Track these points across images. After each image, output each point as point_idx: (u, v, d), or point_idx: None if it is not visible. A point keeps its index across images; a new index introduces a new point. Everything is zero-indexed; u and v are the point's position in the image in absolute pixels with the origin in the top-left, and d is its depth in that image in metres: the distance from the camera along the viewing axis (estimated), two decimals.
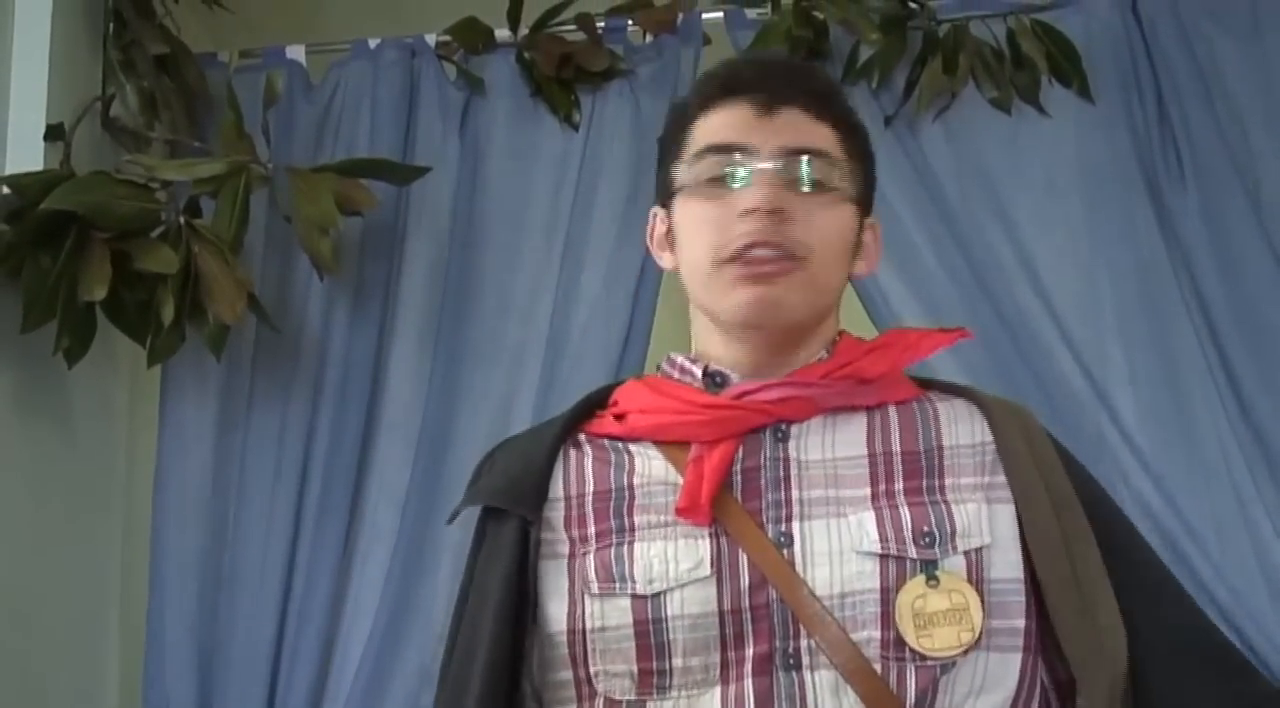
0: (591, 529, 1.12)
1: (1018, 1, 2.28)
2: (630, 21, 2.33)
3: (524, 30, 2.31)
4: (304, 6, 2.75)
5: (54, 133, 1.92)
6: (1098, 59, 2.25)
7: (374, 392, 2.19)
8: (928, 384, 1.22)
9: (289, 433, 2.16)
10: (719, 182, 1.13)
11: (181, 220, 1.93)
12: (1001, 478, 1.11)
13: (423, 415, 2.17)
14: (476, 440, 2.13)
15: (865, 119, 2.12)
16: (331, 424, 2.16)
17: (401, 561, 2.09)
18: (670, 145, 1.21)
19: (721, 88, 1.17)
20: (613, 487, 1.14)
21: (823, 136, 1.15)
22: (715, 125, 1.16)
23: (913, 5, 2.23)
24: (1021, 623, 1.07)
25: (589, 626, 1.08)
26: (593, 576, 1.09)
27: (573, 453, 1.18)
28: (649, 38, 2.33)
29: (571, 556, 1.12)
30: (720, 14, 2.31)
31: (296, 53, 2.34)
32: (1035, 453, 1.13)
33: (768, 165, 1.11)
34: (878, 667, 1.02)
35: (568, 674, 1.10)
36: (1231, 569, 2.02)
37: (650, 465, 1.14)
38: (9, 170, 1.88)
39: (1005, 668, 1.06)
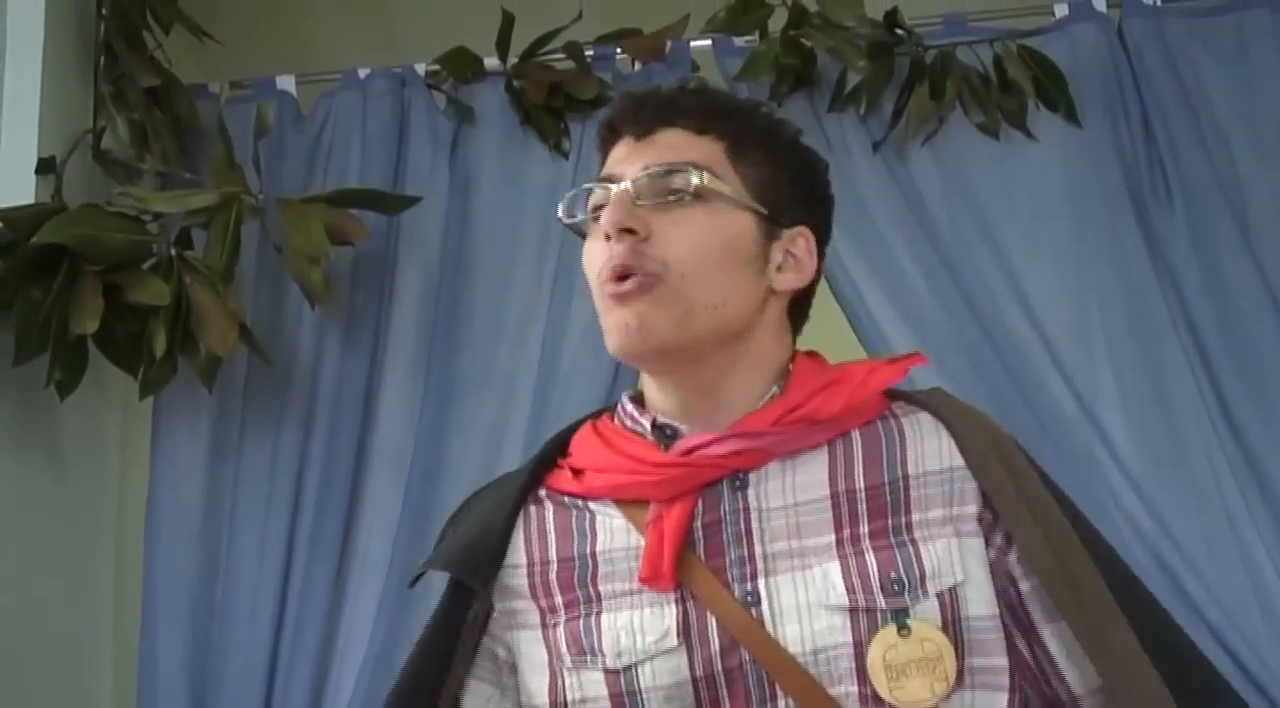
0: (559, 599, 1.11)
1: (1004, 28, 2.31)
2: (619, 50, 2.35)
3: (513, 59, 2.33)
4: (293, 37, 2.78)
5: (45, 166, 1.94)
6: (1084, 83, 2.27)
7: (365, 421, 2.20)
8: (892, 395, 1.19)
9: (281, 463, 2.17)
10: (597, 214, 1.13)
11: (173, 252, 1.94)
12: (971, 509, 1.10)
13: (414, 444, 2.18)
14: (469, 469, 2.15)
15: (853, 146, 2.17)
16: (323, 454, 2.16)
17: (394, 591, 2.09)
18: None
19: (608, 127, 1.18)
20: (575, 555, 1.13)
21: (702, 150, 1.12)
22: (603, 166, 1.16)
23: (899, 32, 2.25)
24: (1003, 661, 1.07)
25: (569, 698, 1.08)
26: (564, 649, 1.09)
27: (534, 511, 1.17)
28: (637, 66, 2.36)
29: (544, 625, 1.12)
30: (708, 42, 2.34)
31: (286, 83, 2.36)
32: (1011, 470, 1.11)
33: (622, 186, 1.10)
34: None
35: None
36: (1223, 590, 2.03)
37: (612, 526, 1.12)
38: (0, 204, 1.89)
39: (991, 705, 1.06)
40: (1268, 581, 2.04)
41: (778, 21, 2.24)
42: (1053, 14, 2.33)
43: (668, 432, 1.14)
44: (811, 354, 1.20)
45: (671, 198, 1.09)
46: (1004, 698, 1.06)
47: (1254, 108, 2.26)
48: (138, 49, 2.14)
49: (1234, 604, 2.03)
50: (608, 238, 1.08)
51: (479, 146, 2.33)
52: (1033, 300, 2.22)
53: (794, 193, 1.16)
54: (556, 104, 2.29)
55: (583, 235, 1.17)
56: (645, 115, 1.15)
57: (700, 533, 1.09)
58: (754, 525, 1.09)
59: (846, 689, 1.02)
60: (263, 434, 2.18)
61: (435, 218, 2.26)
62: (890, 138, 2.27)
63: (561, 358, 2.21)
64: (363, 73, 2.36)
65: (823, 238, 1.21)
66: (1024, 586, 1.10)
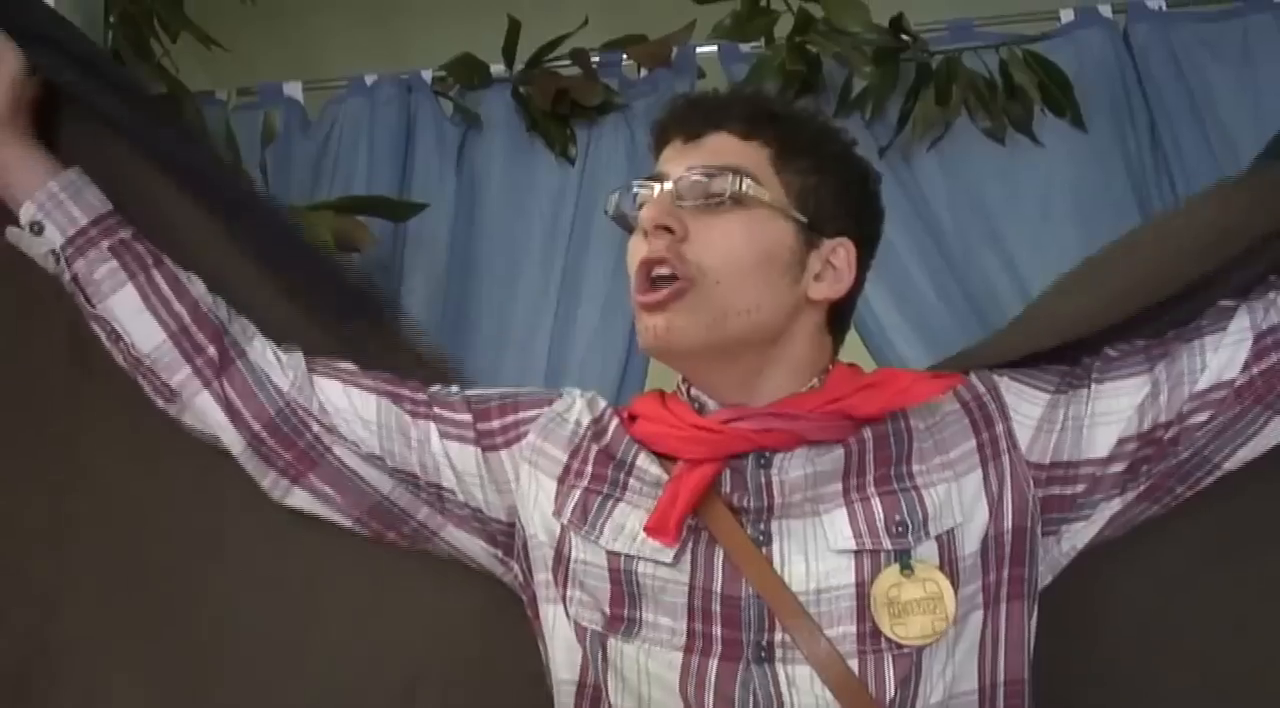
0: (589, 468, 1.18)
1: (1009, 33, 2.31)
2: (625, 56, 2.35)
3: (519, 66, 2.33)
4: (300, 44, 2.77)
5: None
6: (1090, 88, 2.27)
7: None
8: None
9: None
10: (640, 210, 1.19)
11: None
12: (968, 446, 1.16)
13: None
14: None
15: (859, 150, 2.16)
16: None
17: None
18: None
19: (660, 127, 1.24)
20: (619, 453, 1.21)
21: (746, 155, 1.17)
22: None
23: (905, 37, 2.25)
24: (978, 583, 1.11)
25: (573, 555, 1.15)
26: (569, 509, 1.16)
27: (605, 417, 1.28)
28: (644, 72, 2.36)
29: (562, 481, 1.19)
30: (714, 48, 2.34)
31: (293, 90, 2.36)
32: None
33: (665, 186, 1.15)
34: (854, 662, 1.05)
35: (549, 575, 1.18)
36: None
37: (649, 463, 1.20)
38: None
39: (971, 641, 1.10)
40: None
41: (783, 27, 2.24)
42: (1058, 19, 2.33)
43: (697, 404, 1.23)
44: (852, 365, 1.26)
45: (712, 201, 1.14)
46: (979, 616, 1.12)
47: (1259, 112, 2.25)
48: (145, 57, 2.13)
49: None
50: (646, 234, 1.13)
51: (485, 153, 2.33)
52: None
53: (839, 203, 1.20)
54: (563, 110, 2.29)
55: (629, 230, 1.21)
56: (695, 118, 1.20)
57: (725, 489, 1.15)
58: (774, 487, 1.14)
59: (845, 630, 1.07)
60: None
61: (442, 224, 2.26)
62: (896, 143, 2.27)
63: (568, 364, 2.22)
64: (369, 79, 2.36)
65: (868, 249, 1.26)
66: (1048, 455, 1.17)
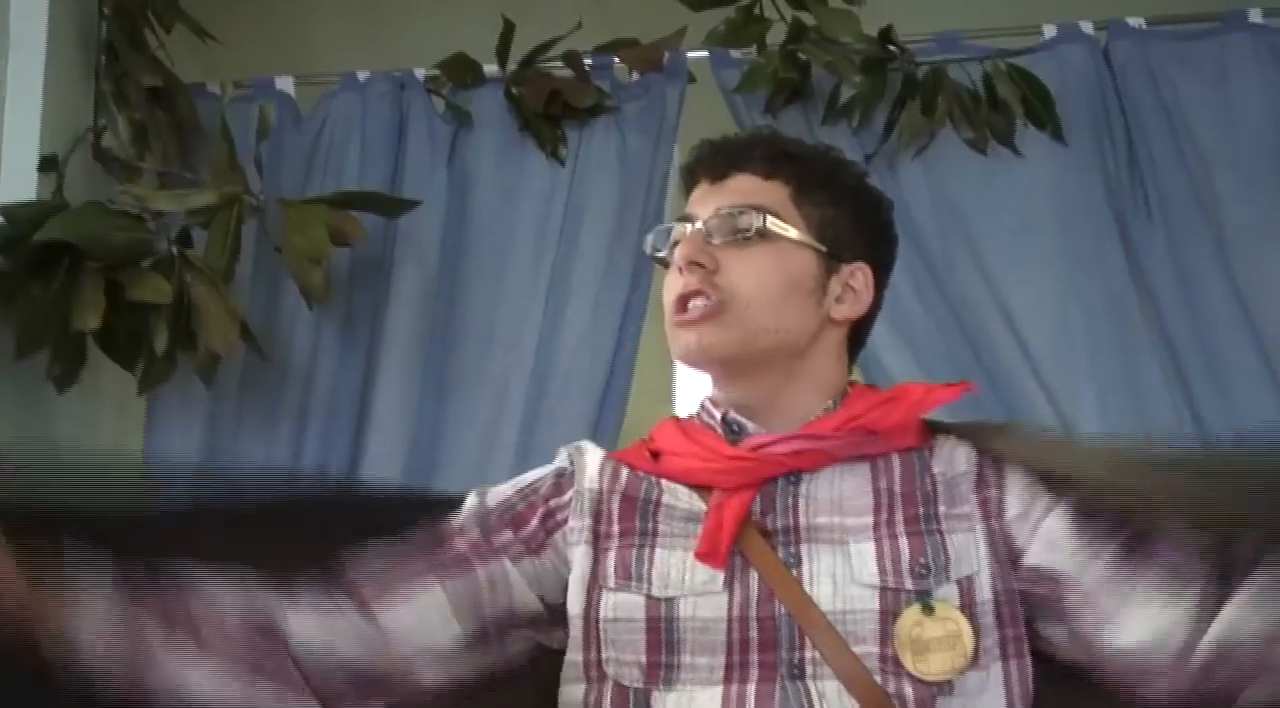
0: (616, 526, 1.20)
1: (994, 47, 2.34)
2: (617, 59, 2.37)
3: (512, 66, 2.34)
4: (293, 39, 2.77)
5: (47, 164, 1.94)
6: (1071, 102, 2.31)
7: (360, 421, 2.21)
8: (931, 428, 1.27)
9: (275, 457, 2.17)
10: (674, 247, 1.25)
11: (174, 250, 1.94)
12: (971, 502, 1.18)
13: (409, 445, 2.19)
14: (461, 469, 2.16)
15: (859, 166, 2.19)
16: (318, 453, 2.18)
17: None
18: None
19: (688, 171, 1.30)
20: (641, 496, 1.22)
21: (768, 193, 1.24)
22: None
23: (893, 49, 2.28)
24: (996, 635, 1.14)
25: (602, 615, 1.16)
26: (611, 570, 1.17)
27: (609, 467, 1.26)
28: (635, 75, 2.38)
29: (595, 544, 1.19)
30: (705, 53, 2.35)
31: (286, 84, 2.37)
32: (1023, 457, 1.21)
33: (696, 226, 1.23)
34: (877, 678, 1.09)
35: (578, 657, 1.17)
36: None
37: (676, 491, 1.21)
38: (3, 200, 1.88)
39: (993, 680, 1.13)
40: None
41: (774, 35, 2.26)
42: (1041, 34, 2.37)
43: (735, 427, 1.24)
44: (869, 386, 1.30)
45: (740, 237, 1.21)
46: (999, 668, 1.14)
47: (1234, 129, 2.30)
48: (139, 48, 2.14)
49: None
50: (680, 271, 1.20)
51: (477, 152, 2.34)
52: (1016, 314, 2.25)
53: (855, 231, 1.26)
54: (555, 112, 2.31)
55: (666, 266, 1.27)
56: (720, 160, 1.27)
57: (757, 514, 1.18)
58: (801, 506, 1.18)
59: (869, 649, 1.10)
60: (257, 432, 2.19)
61: (433, 221, 2.28)
62: (882, 151, 2.30)
63: (556, 362, 2.23)
64: (362, 76, 2.37)
65: (883, 271, 1.30)
66: (1022, 539, 1.17)
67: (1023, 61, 2.32)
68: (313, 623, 1.15)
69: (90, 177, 2.09)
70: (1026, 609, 1.17)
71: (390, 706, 1.18)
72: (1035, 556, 1.17)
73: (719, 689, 1.11)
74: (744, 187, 1.25)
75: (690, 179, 1.30)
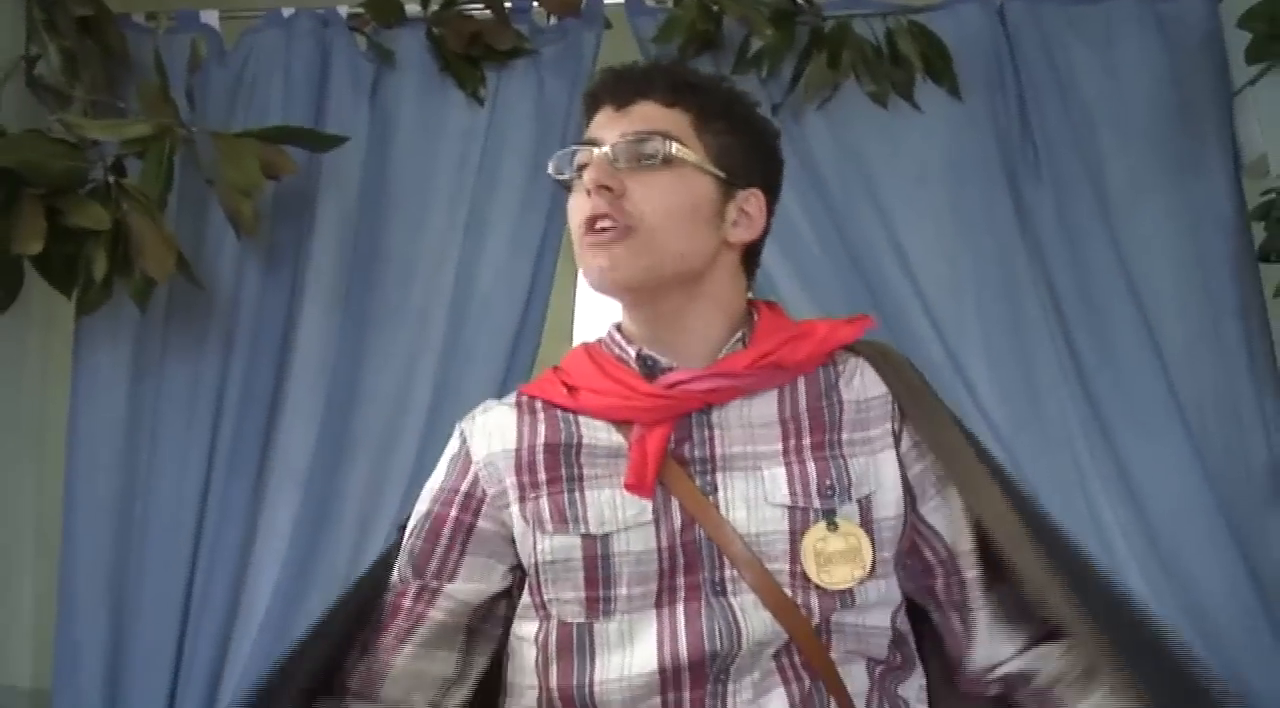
0: (543, 475, 1.34)
1: (897, 3, 2.59)
2: (536, 3, 2.58)
3: (434, 7, 2.52)
4: None
5: None
6: (967, 61, 2.58)
7: (284, 348, 2.41)
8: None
9: (202, 385, 2.37)
10: (580, 171, 1.36)
11: (110, 179, 2.10)
12: (888, 426, 1.38)
13: (331, 372, 2.40)
14: (382, 398, 2.38)
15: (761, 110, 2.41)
16: (243, 378, 2.37)
17: (310, 509, 2.31)
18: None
19: (591, 97, 1.41)
20: (561, 441, 1.36)
21: (671, 121, 1.35)
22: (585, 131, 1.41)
23: (801, 2, 2.50)
24: (894, 550, 1.36)
25: (540, 560, 1.34)
26: (546, 516, 1.33)
27: (525, 416, 1.40)
28: (553, 20, 2.59)
29: (522, 500, 1.35)
30: (621, 0, 2.55)
31: (210, 18, 2.54)
32: (913, 390, 1.41)
33: (603, 150, 1.34)
34: (787, 591, 1.30)
35: (527, 598, 1.36)
36: (1067, 524, 2.33)
37: (595, 427, 1.37)
38: None
39: (890, 589, 1.36)
40: (1105, 518, 2.39)
41: None
42: None
43: (649, 363, 1.38)
44: (771, 305, 1.46)
45: (645, 162, 1.33)
46: (894, 580, 1.36)
47: (1118, 91, 2.59)
48: None
49: (1074, 534, 2.35)
50: (588, 193, 1.32)
51: (398, 91, 2.54)
52: (911, 258, 2.52)
53: (749, 159, 1.40)
54: (475, 53, 2.52)
55: (568, 190, 1.40)
56: (623, 88, 1.38)
57: (674, 444, 1.34)
58: (715, 437, 1.34)
59: (780, 566, 1.30)
60: (185, 355, 2.38)
61: (355, 157, 2.47)
62: (788, 101, 2.55)
63: (473, 296, 2.45)
64: (286, 12, 2.56)
65: (773, 197, 1.46)
66: (913, 470, 1.39)
67: (923, 18, 2.58)
68: None
69: (23, 104, 2.24)
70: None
71: None
72: (931, 514, 1.38)
73: (653, 613, 1.30)
74: (648, 113, 1.35)
75: (593, 104, 1.41)
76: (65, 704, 2.24)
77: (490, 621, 1.42)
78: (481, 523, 1.39)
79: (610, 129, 1.36)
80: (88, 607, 2.28)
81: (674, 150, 1.33)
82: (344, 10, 2.55)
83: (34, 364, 2.37)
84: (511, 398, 1.45)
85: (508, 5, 2.54)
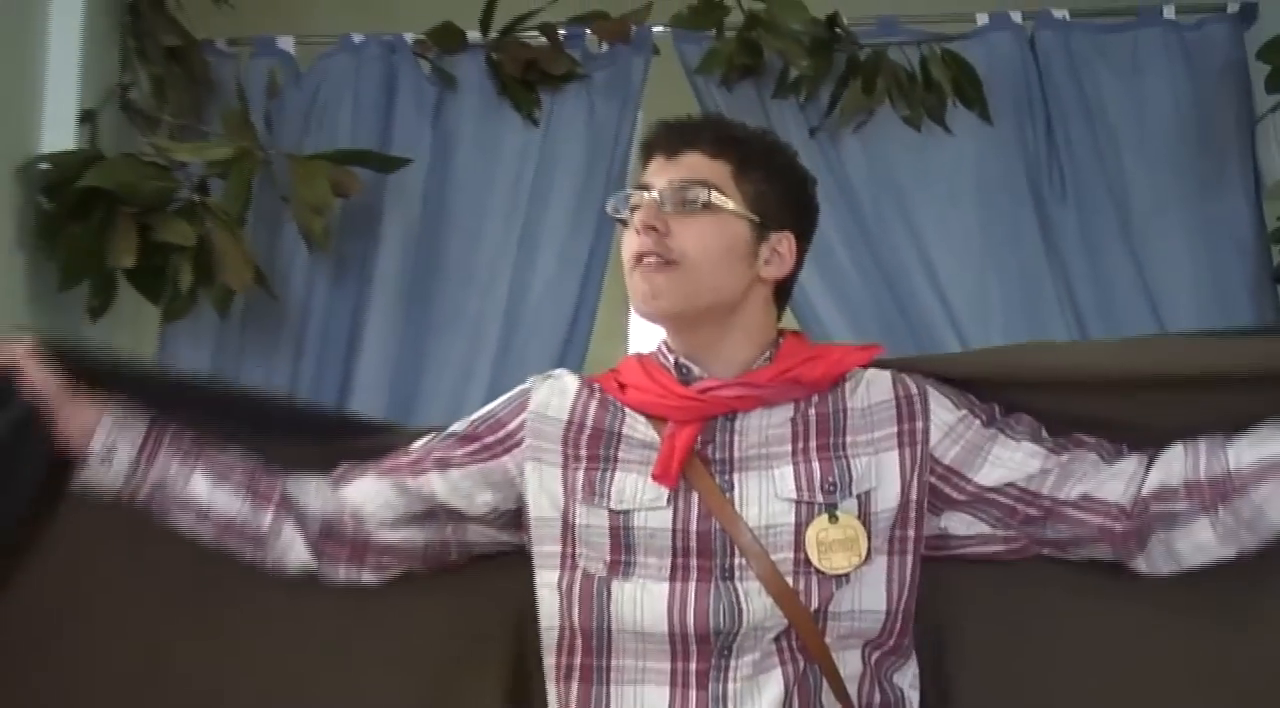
0: (584, 452, 1.59)
1: (931, 32, 2.80)
2: (589, 31, 2.81)
3: (493, 34, 2.76)
4: (293, 2, 3.17)
5: (87, 117, 2.36)
6: (997, 86, 2.78)
7: (350, 352, 2.67)
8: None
9: (275, 382, 2.62)
10: (632, 211, 1.58)
11: (195, 198, 2.36)
12: (892, 429, 1.58)
13: (393, 375, 2.65)
14: (439, 400, 2.63)
15: (791, 130, 2.64)
16: (312, 378, 2.63)
17: None
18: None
19: (645, 147, 1.64)
20: (606, 427, 1.60)
21: (714, 171, 1.56)
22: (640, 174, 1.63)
23: (839, 31, 2.71)
24: (889, 536, 1.57)
25: (576, 521, 1.57)
26: (580, 487, 1.57)
27: (584, 393, 1.64)
28: (604, 46, 2.82)
29: (566, 465, 1.59)
30: (668, 27, 2.79)
31: (286, 44, 2.79)
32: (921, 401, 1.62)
33: (652, 195, 1.56)
34: (789, 579, 1.51)
35: (555, 549, 1.59)
36: None
37: (636, 421, 1.59)
38: (44, 149, 2.31)
39: (879, 575, 1.56)
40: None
41: (732, 16, 2.70)
42: (974, 22, 2.84)
43: (685, 370, 1.60)
44: (797, 334, 1.67)
45: (688, 206, 1.54)
46: (884, 560, 1.56)
47: (1143, 116, 2.78)
48: (159, 9, 2.54)
49: None
50: (638, 231, 1.54)
51: (459, 112, 2.79)
52: (940, 276, 2.73)
53: (783, 205, 1.61)
54: (531, 78, 2.76)
55: (624, 225, 1.61)
56: (674, 139, 1.60)
57: (700, 445, 1.55)
58: (735, 441, 1.56)
59: (785, 555, 1.51)
60: (258, 359, 2.64)
61: (418, 175, 2.72)
62: (825, 124, 2.77)
63: (525, 306, 2.69)
64: (356, 38, 2.80)
65: (806, 239, 1.67)
66: (947, 456, 1.59)
67: (956, 46, 2.79)
68: (298, 484, 1.68)
69: (117, 127, 2.51)
70: (933, 502, 1.59)
71: (353, 549, 1.68)
72: (986, 475, 1.57)
73: (666, 585, 1.52)
74: (693, 163, 1.56)
75: (647, 153, 1.63)
76: None
77: (451, 524, 1.68)
78: (503, 459, 1.63)
79: (660, 176, 1.57)
80: None
81: (713, 198, 1.54)
82: (410, 37, 2.80)
83: None
84: (580, 378, 1.67)
85: (562, 33, 2.78)
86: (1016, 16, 2.82)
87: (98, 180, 2.24)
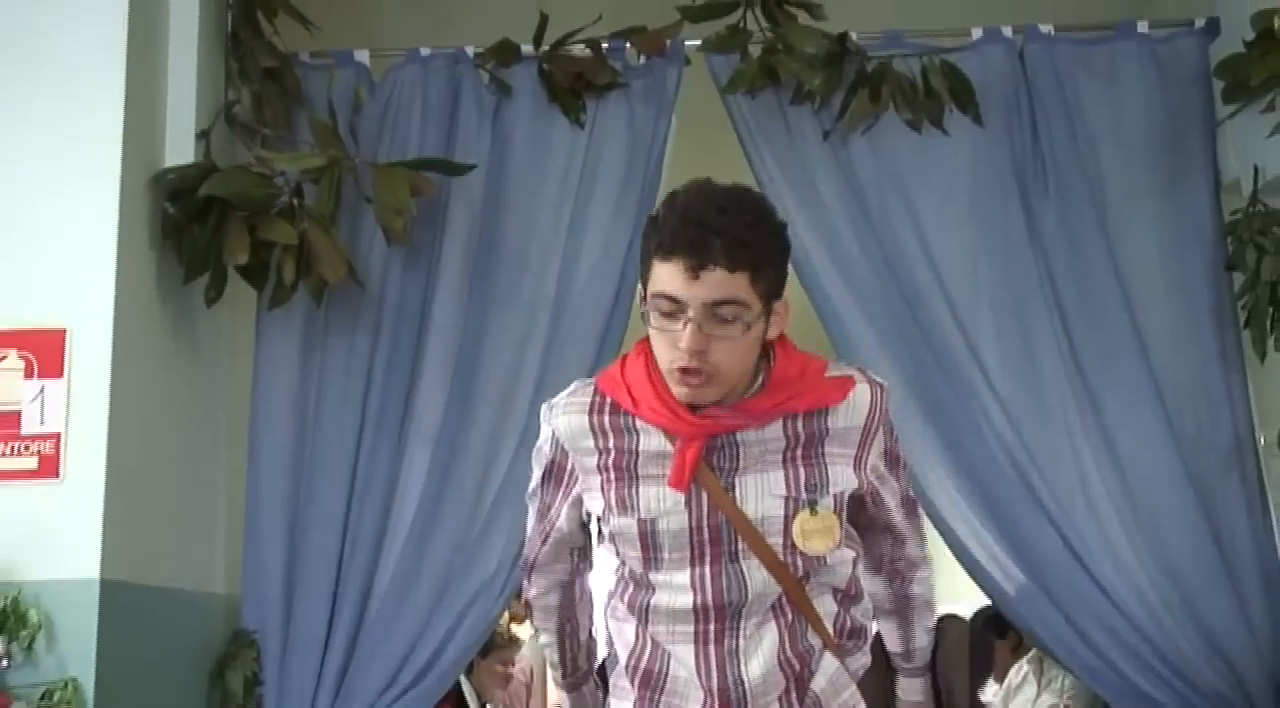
0: (612, 473, 2.00)
1: (931, 44, 3.32)
2: (629, 44, 3.35)
3: (545, 48, 3.29)
4: (365, 18, 3.71)
5: (203, 135, 2.92)
6: (989, 93, 3.32)
7: (420, 331, 3.25)
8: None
9: (355, 360, 3.22)
10: (667, 317, 1.86)
11: (294, 202, 2.91)
12: (852, 451, 2.04)
13: (458, 350, 3.23)
14: (498, 372, 3.20)
15: (807, 133, 3.17)
16: (388, 354, 3.21)
17: (440, 458, 3.15)
18: (644, 254, 1.91)
19: (668, 246, 1.84)
20: (626, 449, 2.00)
21: (737, 285, 1.83)
22: (663, 277, 1.85)
23: (849, 46, 3.22)
24: (853, 528, 2.13)
25: (614, 528, 2.01)
26: (613, 501, 2.00)
27: (597, 413, 2.02)
28: (643, 58, 3.36)
29: (603, 488, 2.01)
30: (699, 42, 3.31)
31: (363, 56, 3.34)
32: (880, 429, 2.09)
33: (693, 316, 1.83)
34: (782, 555, 2.02)
35: (610, 543, 2.09)
36: (1058, 485, 3.12)
37: (650, 432, 1.98)
38: (168, 163, 2.88)
39: (846, 554, 2.09)
40: (1091, 478, 3.13)
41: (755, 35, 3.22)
42: (970, 36, 3.38)
43: None
44: (783, 345, 2.00)
45: (720, 325, 1.84)
46: (850, 550, 2.11)
47: (1118, 119, 3.32)
48: (258, 34, 3.08)
49: (1065, 496, 3.11)
50: (678, 346, 1.85)
51: (514, 117, 3.35)
52: (937, 261, 3.28)
53: (780, 279, 1.93)
54: (578, 86, 3.32)
55: (648, 322, 1.93)
56: (697, 252, 1.81)
57: (707, 453, 1.96)
58: (738, 452, 1.96)
59: (777, 540, 1.99)
60: (341, 338, 3.22)
61: (479, 173, 3.28)
62: (836, 128, 3.31)
63: (573, 289, 3.26)
64: (424, 52, 3.34)
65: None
66: (875, 484, 2.11)
67: (953, 58, 3.32)
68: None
69: (223, 139, 3.05)
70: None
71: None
72: (879, 489, 2.10)
73: (688, 570, 2.01)
74: (717, 279, 1.81)
75: (665, 256, 1.84)
76: (251, 606, 3.12)
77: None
78: (573, 491, 2.10)
79: (691, 294, 1.82)
80: (269, 531, 3.15)
81: (742, 314, 1.84)
82: (471, 50, 3.35)
83: (227, 343, 3.21)
84: (588, 397, 2.03)
85: (605, 46, 3.31)
86: (1008, 31, 3.36)
87: (214, 189, 2.80)
